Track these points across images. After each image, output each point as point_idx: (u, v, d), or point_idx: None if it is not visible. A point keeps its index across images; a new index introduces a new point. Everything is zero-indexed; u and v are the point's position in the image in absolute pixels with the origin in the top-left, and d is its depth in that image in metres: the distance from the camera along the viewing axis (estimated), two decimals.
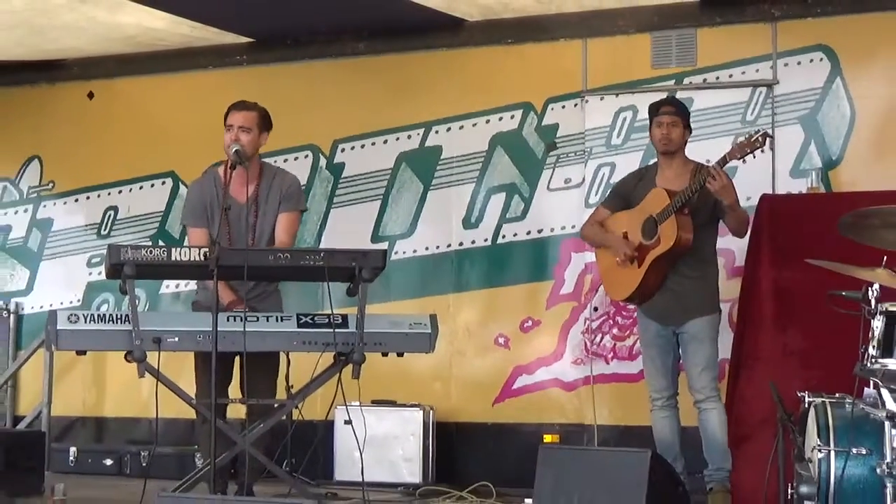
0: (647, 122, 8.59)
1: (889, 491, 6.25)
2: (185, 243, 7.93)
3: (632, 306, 8.54)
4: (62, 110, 11.23)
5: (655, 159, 8.25)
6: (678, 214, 7.69)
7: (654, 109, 8.11)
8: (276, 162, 8.89)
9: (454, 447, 9.61)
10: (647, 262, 7.86)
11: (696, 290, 7.91)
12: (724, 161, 7.66)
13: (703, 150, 8.35)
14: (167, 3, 9.24)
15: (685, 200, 7.67)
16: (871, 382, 6.45)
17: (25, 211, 11.42)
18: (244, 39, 10.37)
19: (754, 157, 7.87)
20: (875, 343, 6.32)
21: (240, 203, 7.43)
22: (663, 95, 9.20)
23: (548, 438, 8.86)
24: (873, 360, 6.31)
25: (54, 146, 11.31)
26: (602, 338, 9.52)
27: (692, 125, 8.13)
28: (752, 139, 7.65)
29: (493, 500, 8.50)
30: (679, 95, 9.08)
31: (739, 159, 7.76)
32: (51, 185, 11.33)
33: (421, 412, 9.49)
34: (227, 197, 7.39)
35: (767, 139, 7.73)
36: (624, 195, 8.19)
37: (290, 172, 8.04)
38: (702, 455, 7.98)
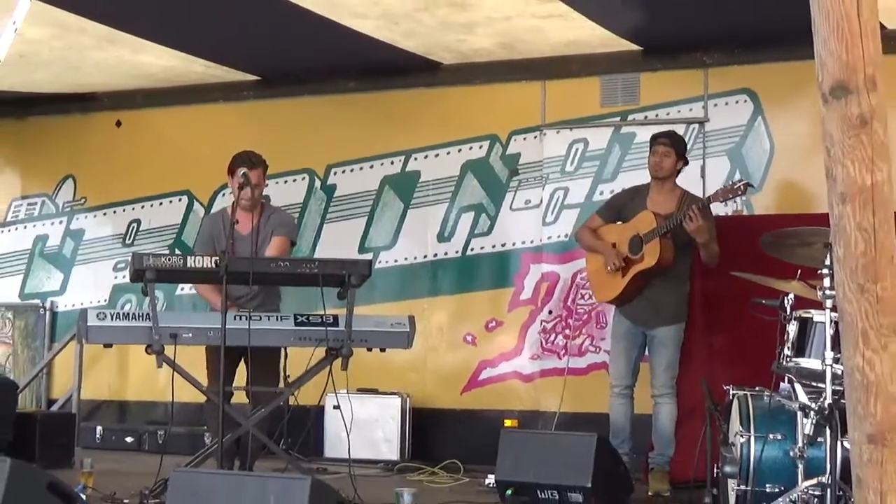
0: (598, 151, 8.63)
1: (800, 471, 6.30)
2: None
3: (591, 306, 8.55)
4: (93, 136, 11.19)
5: (640, 183, 8.26)
6: (662, 238, 7.72)
7: (654, 140, 8.14)
8: (277, 183, 8.92)
9: (427, 430, 9.59)
10: (631, 273, 7.89)
11: (669, 301, 7.96)
12: (708, 201, 7.74)
13: (645, 177, 8.34)
14: (184, 44, 9.23)
15: (669, 228, 7.70)
16: (786, 378, 6.50)
17: (60, 222, 11.38)
18: (251, 77, 10.35)
19: (735, 202, 7.95)
20: (790, 344, 6.37)
21: (243, 235, 7.57)
22: (610, 130, 9.25)
23: (508, 423, 8.84)
24: (788, 359, 6.36)
25: (86, 167, 11.28)
26: (555, 337, 9.53)
27: (635, 159, 8.18)
28: (735, 187, 7.74)
29: (460, 475, 8.49)
30: (623, 131, 9.13)
31: (722, 202, 7.82)
32: (83, 200, 11.30)
33: (399, 399, 9.51)
34: (234, 229, 7.49)
35: (748, 188, 7.80)
36: (617, 208, 8.22)
37: (287, 213, 8.24)
38: (648, 439, 8.03)
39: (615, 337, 8.19)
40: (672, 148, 8.01)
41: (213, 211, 9.83)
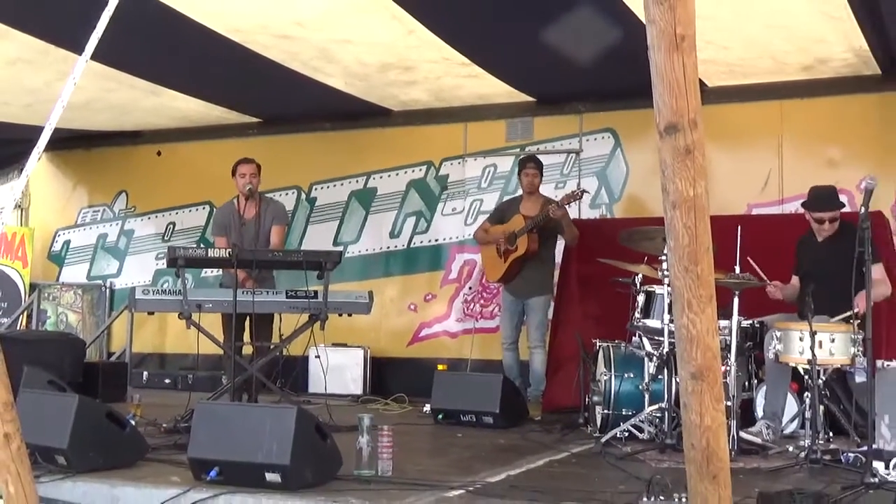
0: (504, 173, 8.63)
1: (646, 399, 6.38)
2: (215, 247, 7.86)
3: (496, 284, 8.58)
4: (140, 162, 11.07)
5: (515, 195, 8.36)
6: (529, 233, 7.87)
7: (523, 164, 8.26)
8: (273, 195, 8.83)
9: (382, 372, 9.57)
10: (509, 260, 8.01)
11: (538, 278, 8.07)
12: (559, 203, 7.82)
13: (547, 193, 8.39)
14: (207, 95, 9.17)
15: (533, 225, 7.85)
16: (637, 333, 6.57)
17: (117, 224, 11.25)
18: (255, 119, 10.29)
19: (577, 204, 8.02)
20: (639, 309, 6.45)
21: (247, 220, 7.50)
22: (513, 157, 9.26)
23: (440, 367, 8.84)
24: (638, 320, 6.44)
25: (135, 184, 11.16)
26: (474, 306, 9.55)
27: None
28: (575, 193, 7.93)
29: (406, 405, 8.48)
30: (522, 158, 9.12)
31: (567, 204, 7.88)
32: (133, 208, 11.18)
33: (362, 350, 9.48)
34: (241, 217, 7.47)
35: (584, 194, 7.94)
36: (500, 214, 8.38)
37: (279, 201, 8.09)
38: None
39: (503, 307, 8.33)
40: (538, 169, 8.20)
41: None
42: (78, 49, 3.50)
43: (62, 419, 4.97)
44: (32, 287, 11.20)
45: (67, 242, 11.53)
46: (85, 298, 11.17)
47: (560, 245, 8.26)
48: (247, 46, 7.42)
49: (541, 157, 8.63)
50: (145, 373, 10.28)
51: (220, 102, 9.48)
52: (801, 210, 6.68)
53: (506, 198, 8.98)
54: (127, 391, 8.84)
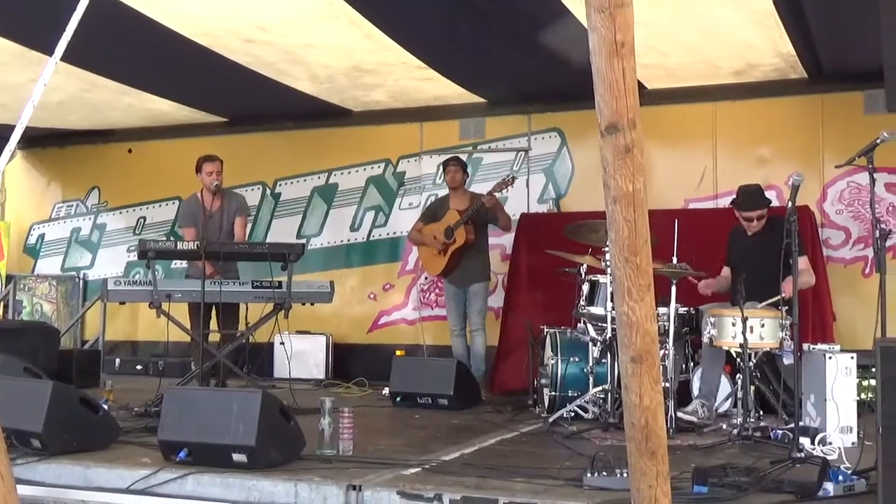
0: None
1: (591, 381, 6.41)
2: (183, 238, 7.81)
3: (431, 276, 8.61)
4: (112, 159, 10.94)
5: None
6: (465, 225, 7.90)
7: (446, 163, 8.36)
8: (239, 190, 8.80)
9: (344, 358, 9.54)
10: (449, 252, 8.02)
11: (476, 267, 8.12)
12: (492, 191, 7.87)
13: (483, 188, 8.39)
14: (175, 96, 9.07)
15: (468, 217, 7.89)
16: (582, 320, 6.60)
17: (90, 219, 11.12)
18: (221, 119, 10.19)
19: (508, 190, 8.04)
20: (584, 298, 6.49)
21: (212, 213, 7.52)
22: (465, 155, 9.24)
23: (398, 353, 8.84)
24: (583, 308, 6.49)
25: (107, 180, 11.03)
26: (430, 294, 9.55)
27: (482, 175, 8.28)
28: (505, 181, 7.99)
29: (366, 388, 8.49)
30: (474, 156, 9.14)
31: (499, 192, 7.91)
32: (105, 203, 11.05)
33: (325, 337, 9.47)
34: (206, 210, 7.47)
35: (514, 180, 8.00)
36: (432, 212, 8.39)
37: (240, 194, 8.12)
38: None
39: (447, 298, 8.35)
40: (459, 166, 8.27)
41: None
42: (52, 52, 3.45)
43: (37, 404, 4.92)
44: (8, 279, 11.05)
45: (42, 236, 11.38)
46: (59, 289, 11.04)
47: (494, 237, 8.31)
48: (213, 50, 7.35)
49: (492, 154, 8.66)
50: (118, 360, 10.19)
51: (188, 103, 9.38)
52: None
53: (475, 193, 8.96)
54: (100, 377, 8.76)
